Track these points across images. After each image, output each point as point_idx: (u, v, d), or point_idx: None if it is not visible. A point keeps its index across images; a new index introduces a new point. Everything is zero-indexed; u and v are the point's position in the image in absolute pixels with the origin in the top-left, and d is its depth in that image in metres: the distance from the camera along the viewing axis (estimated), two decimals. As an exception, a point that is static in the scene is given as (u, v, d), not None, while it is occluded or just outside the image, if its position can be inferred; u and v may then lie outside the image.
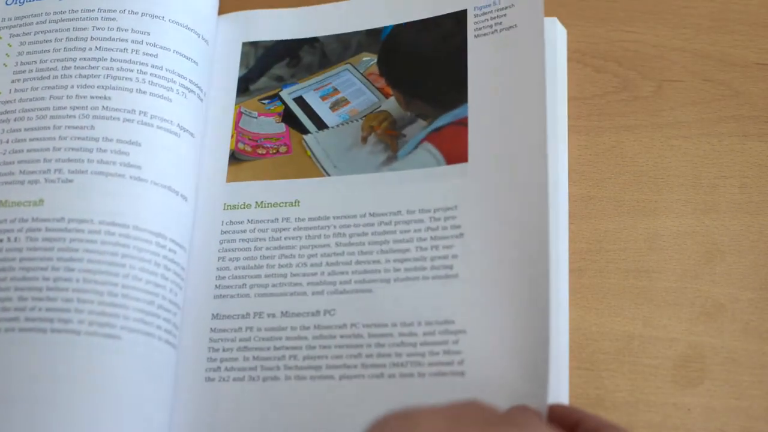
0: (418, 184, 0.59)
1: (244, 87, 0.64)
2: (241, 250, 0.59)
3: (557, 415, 0.52)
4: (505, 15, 0.61)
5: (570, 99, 0.63)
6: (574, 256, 0.59)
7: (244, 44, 0.65)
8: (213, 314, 0.58)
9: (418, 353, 0.55)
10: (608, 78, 0.64)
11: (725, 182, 0.61)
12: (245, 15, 0.66)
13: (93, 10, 0.61)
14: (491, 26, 0.61)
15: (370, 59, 0.64)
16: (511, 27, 0.61)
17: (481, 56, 0.61)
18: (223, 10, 0.66)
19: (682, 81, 0.64)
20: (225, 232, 0.60)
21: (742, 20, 0.65)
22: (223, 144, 0.62)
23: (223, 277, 0.59)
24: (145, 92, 0.59)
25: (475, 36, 0.62)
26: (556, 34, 0.64)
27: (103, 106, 0.59)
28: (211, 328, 0.58)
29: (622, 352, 0.57)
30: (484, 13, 0.62)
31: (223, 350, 0.57)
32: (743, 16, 0.65)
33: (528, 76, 0.58)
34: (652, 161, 0.62)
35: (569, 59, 0.64)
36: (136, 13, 0.61)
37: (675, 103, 0.63)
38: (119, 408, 0.54)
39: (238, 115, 0.63)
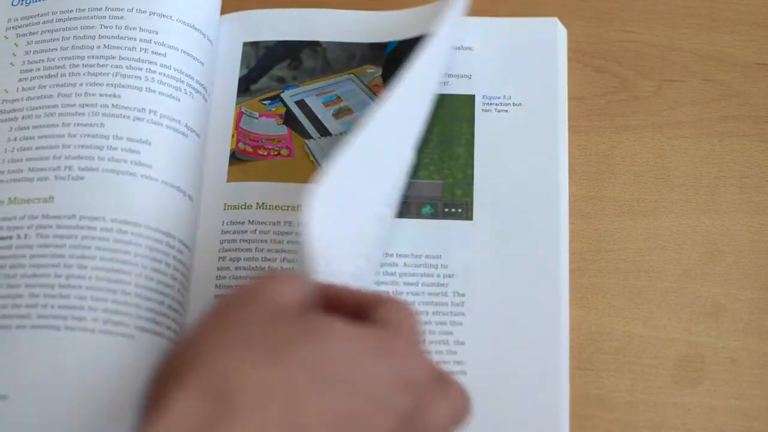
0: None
1: (244, 87, 0.64)
2: (242, 250, 0.59)
3: (331, 299, 0.49)
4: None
5: (570, 99, 0.63)
6: (574, 256, 0.59)
7: (245, 44, 0.65)
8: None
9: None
10: (608, 78, 0.64)
11: (725, 182, 0.61)
12: (246, 15, 0.66)
13: (100, 9, 0.61)
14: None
15: (374, 71, 0.64)
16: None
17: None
18: (224, 10, 0.66)
19: (682, 81, 0.64)
20: (225, 232, 0.60)
21: (742, 20, 0.65)
22: (223, 143, 0.62)
23: (224, 277, 0.59)
24: (154, 91, 0.59)
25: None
26: (557, 34, 0.64)
27: (112, 104, 0.58)
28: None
29: (622, 352, 0.57)
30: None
31: None
32: (743, 16, 0.65)
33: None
34: (652, 161, 0.62)
35: (569, 59, 0.64)
36: (144, 11, 0.61)
37: (675, 103, 0.63)
38: (126, 407, 0.54)
39: (239, 115, 0.63)
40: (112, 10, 0.61)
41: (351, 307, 0.47)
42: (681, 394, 0.56)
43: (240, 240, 0.60)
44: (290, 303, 0.45)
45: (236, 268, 0.59)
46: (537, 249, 0.58)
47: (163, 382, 0.42)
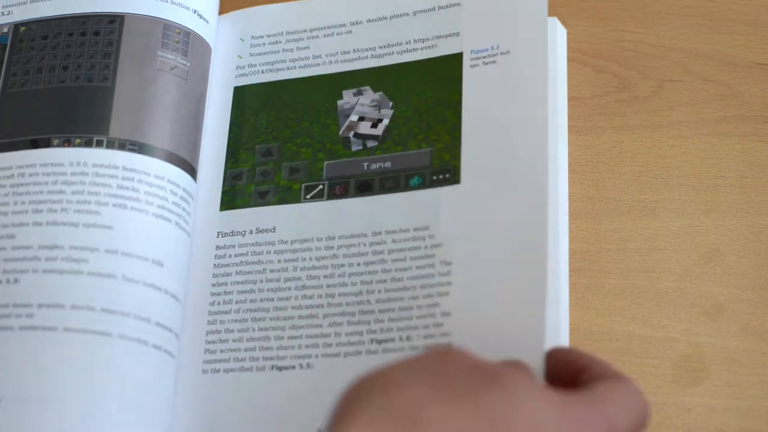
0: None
1: None
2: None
3: (559, 360, 0.50)
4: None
5: (570, 99, 0.63)
6: (574, 256, 0.59)
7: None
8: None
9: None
10: (608, 78, 0.64)
11: (725, 182, 0.61)
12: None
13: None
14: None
15: None
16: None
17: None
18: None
19: (682, 81, 0.64)
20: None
21: (742, 20, 0.65)
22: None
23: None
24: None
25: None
26: (556, 34, 0.64)
27: None
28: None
29: (622, 352, 0.57)
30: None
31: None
32: (743, 16, 0.65)
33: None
34: (652, 161, 0.62)
35: (569, 59, 0.64)
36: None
37: (675, 103, 0.63)
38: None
39: None
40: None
41: (572, 371, 0.49)
42: (681, 394, 0.56)
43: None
44: (481, 360, 0.46)
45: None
46: (525, 210, 0.56)
47: (352, 401, 0.43)
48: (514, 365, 0.47)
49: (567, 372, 0.49)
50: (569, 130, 0.62)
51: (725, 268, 0.59)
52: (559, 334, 0.56)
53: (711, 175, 0.61)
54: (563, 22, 0.64)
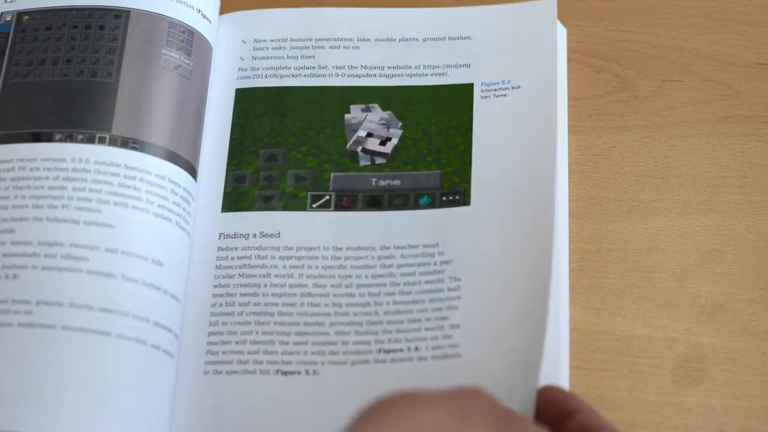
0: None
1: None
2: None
3: (550, 399, 0.51)
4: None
5: (570, 99, 0.63)
6: (574, 256, 0.59)
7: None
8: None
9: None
10: (608, 78, 0.64)
11: (725, 182, 0.61)
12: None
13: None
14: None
15: None
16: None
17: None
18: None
19: (682, 81, 0.64)
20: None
21: (742, 20, 0.65)
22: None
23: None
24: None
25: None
26: (556, 34, 0.64)
27: None
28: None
29: (622, 352, 0.57)
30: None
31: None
32: (743, 16, 0.65)
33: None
34: (652, 161, 0.62)
35: (569, 59, 0.64)
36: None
37: (675, 103, 0.63)
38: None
39: None
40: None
41: (559, 413, 0.50)
42: (681, 394, 0.56)
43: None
44: (506, 408, 0.47)
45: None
46: (534, 232, 0.57)
47: (378, 411, 0.44)
48: (539, 424, 0.49)
49: (554, 413, 0.51)
50: (569, 130, 0.62)
51: (725, 268, 0.59)
52: (559, 335, 0.56)
53: (711, 175, 0.61)
54: (563, 22, 0.64)
